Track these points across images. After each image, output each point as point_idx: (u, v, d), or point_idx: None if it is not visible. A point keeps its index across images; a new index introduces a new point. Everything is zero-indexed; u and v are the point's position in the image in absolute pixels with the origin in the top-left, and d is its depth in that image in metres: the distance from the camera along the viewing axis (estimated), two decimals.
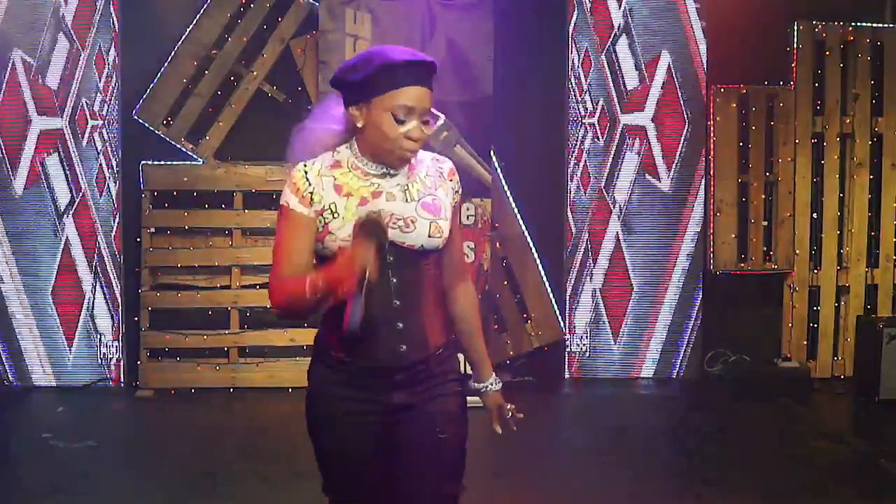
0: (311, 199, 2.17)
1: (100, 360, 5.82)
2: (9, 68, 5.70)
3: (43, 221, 5.76)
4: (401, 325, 2.19)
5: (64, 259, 5.77)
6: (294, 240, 2.19)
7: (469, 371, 2.45)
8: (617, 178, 6.05)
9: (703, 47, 6.03)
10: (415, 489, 2.22)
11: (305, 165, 2.21)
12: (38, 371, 5.77)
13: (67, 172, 5.75)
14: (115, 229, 5.80)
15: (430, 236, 2.19)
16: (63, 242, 5.76)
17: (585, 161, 6.03)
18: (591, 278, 6.05)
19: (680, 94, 6.03)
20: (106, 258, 5.79)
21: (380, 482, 2.25)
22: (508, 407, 2.40)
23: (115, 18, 5.70)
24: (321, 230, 2.17)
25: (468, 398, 2.32)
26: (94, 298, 5.80)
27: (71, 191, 5.76)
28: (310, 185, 2.18)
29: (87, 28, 5.72)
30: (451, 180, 2.31)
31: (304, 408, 2.31)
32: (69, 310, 5.78)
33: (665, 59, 6.03)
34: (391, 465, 2.24)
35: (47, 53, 5.70)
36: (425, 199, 2.22)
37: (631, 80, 6.04)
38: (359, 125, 2.17)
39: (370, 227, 2.03)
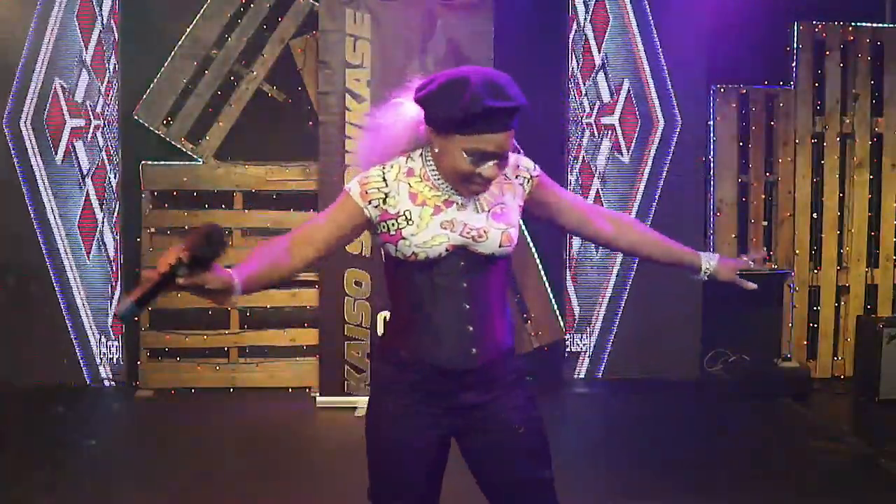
0: (384, 199, 2.19)
1: (100, 360, 5.82)
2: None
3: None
4: (471, 328, 2.23)
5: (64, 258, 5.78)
6: (326, 217, 2.24)
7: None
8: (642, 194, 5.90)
9: None
10: (511, 481, 2.28)
11: (384, 168, 2.23)
12: (38, 371, 5.76)
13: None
14: (115, 229, 5.79)
15: (500, 245, 2.24)
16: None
17: (585, 159, 5.99)
18: (591, 278, 6.05)
19: None
20: (106, 252, 5.78)
21: (429, 490, 2.29)
22: (745, 259, 2.55)
23: (114, 18, 5.70)
24: (393, 234, 2.19)
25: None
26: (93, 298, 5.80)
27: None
28: (386, 185, 2.21)
29: (87, 27, 5.70)
30: (516, 177, 2.31)
31: (367, 407, 2.33)
32: (69, 309, 5.78)
33: None
34: (473, 467, 2.31)
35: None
36: (495, 209, 2.25)
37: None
38: (435, 150, 2.17)
39: (204, 240, 1.91)
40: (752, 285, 2.52)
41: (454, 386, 2.24)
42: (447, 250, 2.19)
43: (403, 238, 2.18)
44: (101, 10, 5.01)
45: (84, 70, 4.96)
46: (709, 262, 2.50)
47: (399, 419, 2.25)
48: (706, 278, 2.51)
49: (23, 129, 4.91)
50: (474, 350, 2.23)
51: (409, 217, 2.19)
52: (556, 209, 2.39)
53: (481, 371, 2.25)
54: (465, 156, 2.11)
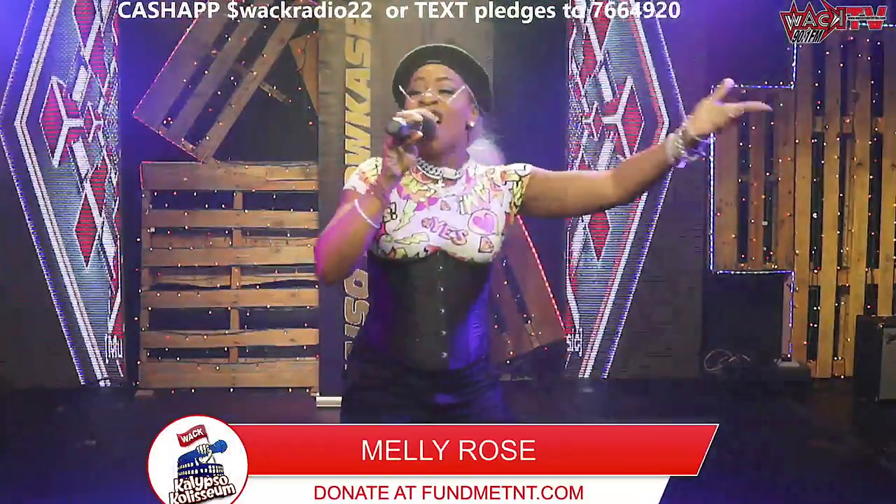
0: None
1: (99, 360, 5.82)
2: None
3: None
4: (444, 332, 2.24)
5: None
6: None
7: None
8: None
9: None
10: None
11: (377, 160, 2.26)
12: (38, 371, 5.76)
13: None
14: (115, 229, 5.79)
15: (480, 251, 2.24)
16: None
17: (585, 160, 5.98)
18: (591, 277, 6.05)
19: None
20: (105, 258, 5.79)
21: None
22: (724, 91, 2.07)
23: (114, 17, 5.69)
24: (377, 227, 2.18)
25: None
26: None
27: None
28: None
29: (85, 22, 5.68)
30: (505, 182, 2.33)
31: (341, 402, 2.36)
32: (69, 309, 5.78)
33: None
34: None
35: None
36: (478, 213, 2.26)
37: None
38: None
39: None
40: (763, 106, 2.08)
41: (427, 386, 2.26)
42: (426, 251, 2.20)
43: (385, 233, 2.20)
44: (100, 5, 4.99)
45: (82, 66, 4.74)
46: (677, 136, 2.08)
47: (372, 416, 2.25)
48: (691, 149, 2.07)
49: (17, 129, 4.74)
50: (445, 354, 2.24)
51: (393, 210, 2.21)
52: (559, 196, 2.30)
53: (453, 375, 2.26)
54: (411, 100, 2.23)
